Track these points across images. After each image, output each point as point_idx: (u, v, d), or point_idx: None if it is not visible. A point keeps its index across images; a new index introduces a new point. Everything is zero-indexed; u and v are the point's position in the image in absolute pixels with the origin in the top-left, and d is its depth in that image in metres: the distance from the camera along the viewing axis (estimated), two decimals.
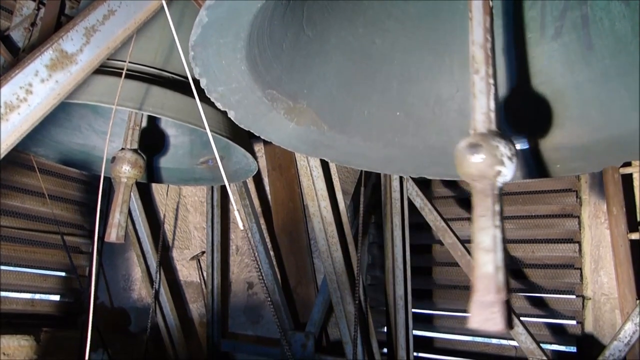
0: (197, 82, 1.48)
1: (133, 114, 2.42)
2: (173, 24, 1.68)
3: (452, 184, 3.93)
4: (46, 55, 1.66)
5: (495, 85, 1.11)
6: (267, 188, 4.61)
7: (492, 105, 1.09)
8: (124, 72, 1.94)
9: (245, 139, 2.40)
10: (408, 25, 1.70)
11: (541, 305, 3.49)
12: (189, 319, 4.90)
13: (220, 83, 1.48)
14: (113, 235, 2.26)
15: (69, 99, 1.80)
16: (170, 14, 1.70)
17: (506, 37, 1.64)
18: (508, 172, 1.04)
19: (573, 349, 3.36)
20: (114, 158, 2.34)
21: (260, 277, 2.70)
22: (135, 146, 2.40)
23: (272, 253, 4.41)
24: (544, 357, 3.04)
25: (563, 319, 3.43)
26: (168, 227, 4.98)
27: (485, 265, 0.98)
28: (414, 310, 3.60)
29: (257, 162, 2.55)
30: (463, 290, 3.76)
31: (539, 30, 1.61)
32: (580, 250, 3.38)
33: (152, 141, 2.86)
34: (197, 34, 1.29)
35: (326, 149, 1.74)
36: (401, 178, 3.59)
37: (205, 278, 4.67)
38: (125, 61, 1.97)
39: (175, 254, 5.04)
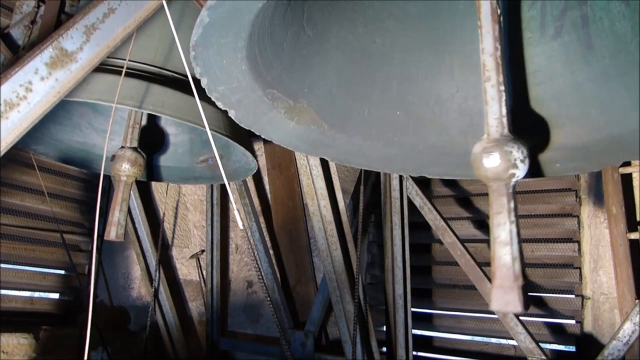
0: (196, 81, 1.48)
1: (133, 112, 2.42)
2: (173, 22, 1.68)
3: (452, 184, 3.93)
4: (46, 53, 1.66)
5: (506, 91, 1.20)
6: (267, 187, 4.61)
7: (504, 111, 1.20)
8: (124, 70, 1.94)
9: (245, 137, 2.40)
10: (408, 25, 1.70)
11: (540, 305, 3.49)
12: (188, 318, 4.90)
13: (221, 82, 1.48)
14: (112, 233, 2.26)
15: (69, 97, 1.80)
16: (171, 13, 1.70)
17: (506, 37, 1.64)
18: (521, 173, 1.16)
19: (572, 349, 3.36)
20: (113, 156, 2.34)
21: (260, 276, 2.71)
22: (135, 144, 2.40)
23: (271, 252, 4.41)
24: (543, 357, 3.05)
25: (562, 318, 3.44)
26: (168, 226, 4.98)
27: (504, 256, 1.12)
28: (413, 309, 3.61)
29: (257, 160, 2.55)
30: (462, 289, 3.77)
31: (538, 30, 1.61)
32: (579, 249, 3.39)
33: (151, 139, 2.86)
34: (198, 34, 1.29)
35: (326, 148, 1.74)
36: (401, 177, 3.59)
37: (205, 277, 4.68)
38: (125, 59, 1.96)
39: (174, 252, 5.05)
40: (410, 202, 3.58)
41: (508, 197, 1.15)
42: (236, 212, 1.66)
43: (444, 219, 3.43)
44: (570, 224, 3.47)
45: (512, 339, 3.23)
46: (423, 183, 3.69)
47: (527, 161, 1.17)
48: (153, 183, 4.93)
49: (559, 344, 3.44)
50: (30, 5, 2.49)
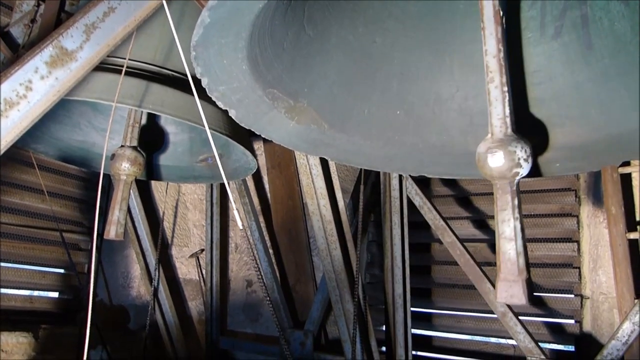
0: (196, 80, 1.48)
1: (133, 111, 2.42)
2: (173, 21, 1.68)
3: (452, 183, 3.94)
4: (46, 52, 1.66)
5: (509, 92, 1.23)
6: (267, 186, 4.61)
7: (508, 111, 1.23)
8: (123, 69, 1.94)
9: (245, 137, 2.41)
10: (408, 25, 1.70)
11: (540, 304, 3.49)
12: (187, 317, 4.90)
13: (221, 82, 1.48)
14: (112, 232, 2.26)
15: (69, 96, 1.80)
16: (170, 12, 1.70)
17: (506, 37, 1.64)
18: (524, 171, 1.21)
19: (571, 348, 3.37)
20: (113, 155, 2.34)
21: (259, 275, 2.70)
22: (135, 143, 2.40)
23: (271, 251, 4.41)
24: (543, 356, 3.05)
25: (561, 318, 3.44)
26: (167, 225, 4.98)
27: (508, 251, 1.17)
28: (412, 308, 3.60)
29: (257, 160, 2.55)
30: (462, 289, 3.77)
31: (538, 30, 1.61)
32: (579, 249, 3.39)
33: (151, 138, 2.86)
34: (199, 34, 1.29)
35: (326, 147, 1.74)
36: (400, 177, 3.59)
37: (204, 276, 4.68)
38: (125, 58, 1.97)
39: (174, 251, 5.05)
40: (409, 202, 3.58)
41: (512, 195, 1.19)
42: (236, 212, 1.66)
43: (444, 219, 3.43)
44: (570, 224, 3.47)
45: (512, 339, 3.23)
46: (423, 182, 3.69)
47: (530, 160, 1.21)
48: (153, 182, 4.93)
49: (558, 343, 3.45)
50: (30, 3, 2.49)
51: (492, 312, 3.32)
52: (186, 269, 5.00)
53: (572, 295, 3.39)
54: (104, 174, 1.97)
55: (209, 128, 1.72)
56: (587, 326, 3.28)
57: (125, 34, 1.83)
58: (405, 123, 1.73)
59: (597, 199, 3.34)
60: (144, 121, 2.55)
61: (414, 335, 3.59)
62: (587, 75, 1.55)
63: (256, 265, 2.51)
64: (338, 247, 3.51)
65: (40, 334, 4.18)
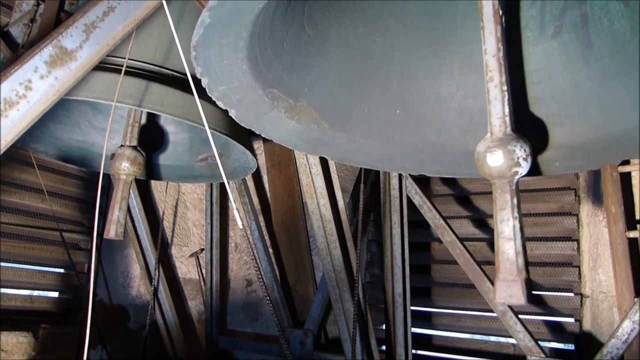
0: (196, 80, 1.48)
1: (132, 110, 2.42)
2: (173, 21, 1.68)
3: (451, 182, 3.94)
4: (46, 51, 1.66)
5: (509, 91, 1.23)
6: (266, 185, 4.61)
7: (507, 110, 1.23)
8: (123, 69, 1.94)
9: (245, 136, 2.41)
10: (408, 24, 1.70)
11: (539, 303, 3.50)
12: (187, 316, 4.91)
13: (221, 82, 1.49)
14: (112, 232, 2.26)
15: (69, 95, 1.80)
16: (170, 11, 1.70)
17: (506, 36, 1.64)
18: (524, 170, 1.21)
19: (571, 347, 3.37)
20: (113, 155, 2.34)
21: (259, 275, 2.70)
22: (135, 143, 2.40)
23: (271, 250, 4.41)
24: (542, 355, 3.05)
25: (561, 316, 3.45)
26: (167, 224, 4.98)
27: (507, 251, 1.17)
28: (412, 307, 3.61)
29: (256, 159, 2.55)
30: (461, 288, 3.77)
31: (538, 29, 1.61)
32: (578, 248, 3.39)
33: (151, 138, 2.86)
34: (199, 34, 1.29)
35: (326, 146, 1.74)
36: (400, 176, 3.59)
37: (204, 275, 4.68)
38: (124, 58, 1.97)
39: (174, 251, 5.05)
40: (409, 201, 3.58)
41: (511, 194, 1.19)
42: (235, 211, 1.66)
43: (443, 218, 3.43)
44: (570, 223, 3.47)
45: (511, 337, 3.23)
46: (422, 182, 3.69)
47: (529, 159, 1.21)
48: (152, 182, 4.93)
49: (558, 342, 3.45)
50: (30, 3, 2.48)
51: (492, 311, 3.33)
52: (186, 269, 5.00)
53: (572, 294, 3.39)
54: (103, 174, 1.98)
55: (209, 127, 1.73)
56: (587, 325, 3.29)
57: (125, 34, 1.83)
58: (405, 122, 1.73)
59: (597, 197, 3.34)
60: (143, 121, 2.55)
61: (413, 334, 3.60)
62: (587, 75, 1.55)
63: (256, 265, 2.50)
64: (338, 247, 3.51)
65: (40, 333, 4.18)
